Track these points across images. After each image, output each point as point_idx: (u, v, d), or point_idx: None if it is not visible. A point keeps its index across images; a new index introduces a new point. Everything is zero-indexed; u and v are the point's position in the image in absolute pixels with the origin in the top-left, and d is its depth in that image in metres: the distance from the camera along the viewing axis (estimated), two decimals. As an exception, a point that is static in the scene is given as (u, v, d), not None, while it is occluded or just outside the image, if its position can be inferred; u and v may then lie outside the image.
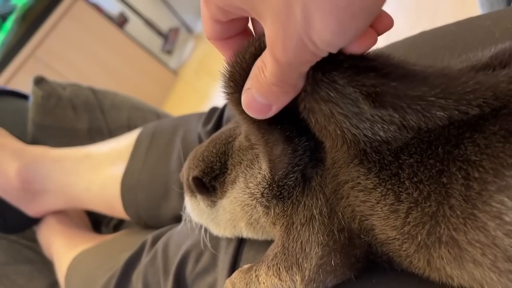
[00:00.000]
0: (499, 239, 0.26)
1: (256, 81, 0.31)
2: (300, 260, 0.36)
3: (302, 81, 0.31)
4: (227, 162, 0.43)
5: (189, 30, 3.91)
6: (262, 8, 0.27)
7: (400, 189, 0.30)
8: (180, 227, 0.59)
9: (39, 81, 1.00)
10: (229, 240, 0.51)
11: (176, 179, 0.69)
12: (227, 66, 0.34)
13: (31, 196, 0.87)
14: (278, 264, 0.38)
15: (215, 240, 0.52)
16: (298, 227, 0.37)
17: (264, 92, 0.31)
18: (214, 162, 0.43)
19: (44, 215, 0.92)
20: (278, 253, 0.38)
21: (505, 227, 0.26)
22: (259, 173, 0.40)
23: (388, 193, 0.31)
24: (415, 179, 0.29)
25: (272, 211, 0.39)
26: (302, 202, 0.37)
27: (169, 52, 3.63)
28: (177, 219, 0.69)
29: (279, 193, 0.38)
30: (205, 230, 0.51)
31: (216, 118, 0.69)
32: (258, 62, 0.31)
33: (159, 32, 3.66)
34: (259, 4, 0.27)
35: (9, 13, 2.89)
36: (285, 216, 0.39)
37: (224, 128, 0.48)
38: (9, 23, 2.85)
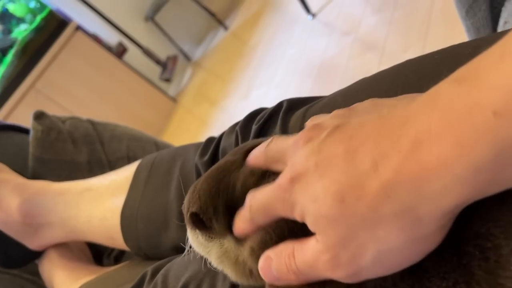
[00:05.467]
0: None
1: (280, 260, 0.32)
2: None
3: None
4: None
5: (187, 58, 3.97)
6: (328, 233, 0.28)
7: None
8: (181, 257, 0.60)
9: (39, 116, 1.02)
10: None
11: (175, 209, 0.70)
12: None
13: (33, 230, 0.88)
14: None
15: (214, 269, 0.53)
16: None
17: (283, 274, 0.32)
18: (209, 205, 0.43)
19: (46, 248, 0.92)
20: None
21: None
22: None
23: None
24: (441, 274, 0.29)
25: None
26: None
27: (167, 80, 3.68)
28: (177, 249, 0.70)
29: None
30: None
31: (212, 149, 0.70)
32: (287, 247, 0.32)
33: (157, 61, 3.72)
34: (326, 229, 0.28)
35: (10, 46, 2.93)
36: None
37: (222, 162, 0.48)
38: (9, 57, 2.89)
